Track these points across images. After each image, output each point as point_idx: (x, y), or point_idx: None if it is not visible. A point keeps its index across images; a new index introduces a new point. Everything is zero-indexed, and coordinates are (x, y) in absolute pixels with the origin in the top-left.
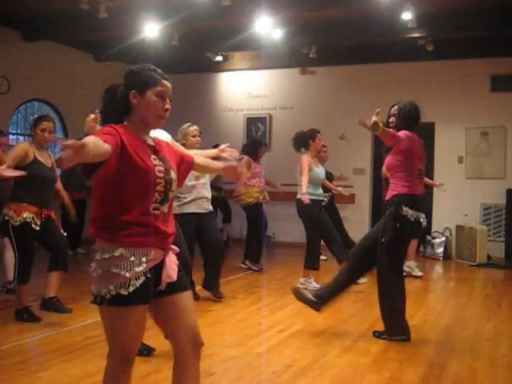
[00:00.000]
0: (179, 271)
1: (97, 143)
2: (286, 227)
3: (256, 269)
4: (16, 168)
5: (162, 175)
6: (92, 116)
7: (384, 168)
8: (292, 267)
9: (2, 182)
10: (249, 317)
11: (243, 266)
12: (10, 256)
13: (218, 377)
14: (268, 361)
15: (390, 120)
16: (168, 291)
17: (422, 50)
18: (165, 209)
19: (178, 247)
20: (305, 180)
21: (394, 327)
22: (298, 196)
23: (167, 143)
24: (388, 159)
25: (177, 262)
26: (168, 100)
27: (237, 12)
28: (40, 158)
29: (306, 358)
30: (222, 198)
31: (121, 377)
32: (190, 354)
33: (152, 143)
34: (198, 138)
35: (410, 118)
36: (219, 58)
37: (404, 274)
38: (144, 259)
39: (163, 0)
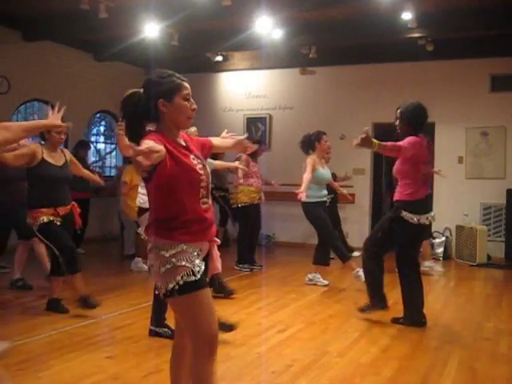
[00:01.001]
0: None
1: (155, 143)
2: (286, 227)
3: (247, 270)
4: (26, 170)
5: (202, 172)
6: (119, 126)
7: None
8: (292, 267)
9: (21, 182)
10: (249, 317)
11: (235, 267)
12: (20, 257)
13: (217, 377)
14: (268, 361)
15: (396, 123)
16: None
17: (422, 50)
18: (210, 200)
19: None
20: (307, 178)
21: (409, 315)
22: (303, 200)
23: (188, 135)
24: (396, 165)
25: (219, 254)
26: (192, 100)
27: (237, 12)
28: (49, 159)
29: (306, 358)
30: (228, 198)
31: (211, 363)
32: (208, 350)
33: (184, 144)
34: None
35: (413, 119)
36: (219, 58)
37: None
38: (199, 251)
39: (163, 0)
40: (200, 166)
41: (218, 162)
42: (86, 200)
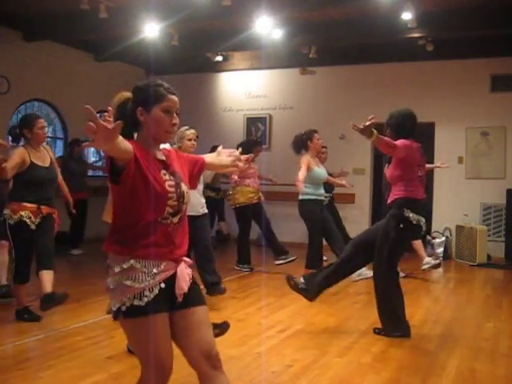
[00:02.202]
0: (194, 285)
1: (122, 139)
2: (286, 227)
3: (246, 270)
4: (15, 174)
5: (172, 190)
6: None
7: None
8: (292, 267)
9: (1, 184)
10: (248, 317)
11: (235, 268)
12: (3, 259)
13: None
14: (268, 361)
15: (385, 131)
16: (182, 305)
17: (422, 50)
18: (175, 220)
19: None
20: (302, 171)
21: (391, 324)
22: (300, 197)
23: (176, 151)
24: (389, 170)
25: (190, 273)
26: (175, 114)
27: (237, 12)
28: (36, 161)
29: (306, 358)
30: (218, 199)
31: None
32: (207, 369)
33: (162, 157)
34: (193, 142)
35: (398, 127)
36: (219, 58)
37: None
38: (155, 270)
39: (163, 0)
40: (171, 182)
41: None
42: (84, 201)
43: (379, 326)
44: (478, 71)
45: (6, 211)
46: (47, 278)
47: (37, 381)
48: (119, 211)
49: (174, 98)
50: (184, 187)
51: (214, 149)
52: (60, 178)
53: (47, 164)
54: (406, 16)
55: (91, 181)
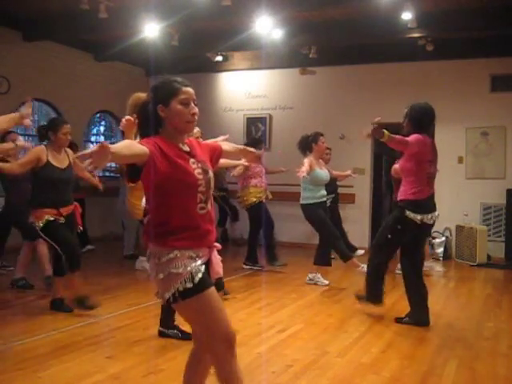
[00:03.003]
0: None
1: (132, 143)
2: (286, 227)
3: (257, 267)
4: (31, 172)
5: (201, 177)
6: (129, 118)
7: (393, 171)
8: (292, 267)
9: (23, 183)
10: (249, 317)
11: (245, 266)
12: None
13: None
14: (268, 361)
15: (403, 121)
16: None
17: (422, 50)
18: (208, 206)
19: None
20: (306, 166)
21: (413, 313)
22: (301, 201)
23: (197, 140)
24: (401, 162)
25: (220, 258)
26: (193, 104)
27: (237, 12)
28: (53, 162)
29: (306, 358)
30: (228, 198)
31: (232, 361)
32: (224, 349)
33: (187, 149)
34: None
35: (417, 120)
36: (219, 58)
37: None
38: (197, 257)
39: (163, 0)
40: (199, 170)
41: (222, 161)
42: (81, 200)
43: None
44: (477, 71)
45: (31, 218)
46: (75, 278)
47: (36, 381)
48: (155, 207)
49: (189, 89)
50: (211, 173)
51: None
52: (85, 173)
53: (64, 166)
54: (406, 16)
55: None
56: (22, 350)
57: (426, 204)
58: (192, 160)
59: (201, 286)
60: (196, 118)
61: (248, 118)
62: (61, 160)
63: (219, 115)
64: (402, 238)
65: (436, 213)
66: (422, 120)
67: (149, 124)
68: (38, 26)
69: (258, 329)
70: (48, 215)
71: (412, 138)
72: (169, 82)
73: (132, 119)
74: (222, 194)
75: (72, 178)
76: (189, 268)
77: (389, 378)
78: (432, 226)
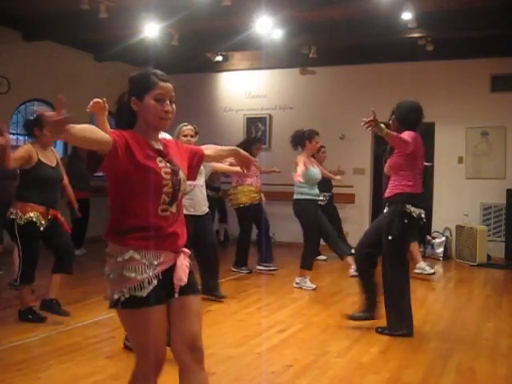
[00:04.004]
0: (190, 273)
1: (96, 129)
2: (286, 227)
3: (244, 272)
4: (20, 171)
5: (168, 177)
6: (97, 100)
7: (386, 169)
8: (292, 267)
9: (7, 182)
10: (248, 317)
11: (233, 269)
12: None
13: (217, 377)
14: (268, 361)
15: (389, 119)
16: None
17: (422, 50)
18: (173, 209)
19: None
20: (301, 167)
21: (396, 322)
22: (295, 197)
23: (176, 142)
24: (392, 158)
25: (188, 264)
26: (168, 102)
27: (237, 12)
28: (43, 159)
29: (306, 358)
30: (218, 198)
31: (151, 378)
32: (189, 359)
33: (159, 146)
34: (189, 139)
35: (403, 117)
36: (219, 58)
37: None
38: (155, 262)
39: (163, 0)
40: (167, 170)
41: (218, 166)
42: (86, 200)
43: (381, 324)
44: (477, 71)
45: (14, 211)
46: (57, 282)
47: (36, 381)
48: (115, 205)
49: (167, 85)
50: (182, 175)
51: None
52: (66, 179)
53: (54, 164)
54: (406, 16)
55: (93, 181)
56: (22, 350)
57: (422, 199)
58: (159, 158)
59: (148, 299)
60: (170, 116)
61: (248, 118)
62: (50, 157)
63: (219, 115)
64: (409, 235)
65: (423, 211)
66: (408, 118)
67: (122, 115)
68: (38, 25)
69: (258, 329)
70: (34, 212)
71: (407, 134)
72: (146, 75)
73: (101, 102)
74: (213, 193)
75: (62, 176)
76: (142, 276)
77: (389, 378)
78: (422, 222)
